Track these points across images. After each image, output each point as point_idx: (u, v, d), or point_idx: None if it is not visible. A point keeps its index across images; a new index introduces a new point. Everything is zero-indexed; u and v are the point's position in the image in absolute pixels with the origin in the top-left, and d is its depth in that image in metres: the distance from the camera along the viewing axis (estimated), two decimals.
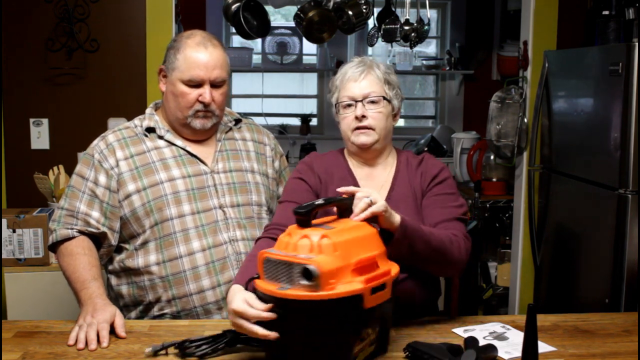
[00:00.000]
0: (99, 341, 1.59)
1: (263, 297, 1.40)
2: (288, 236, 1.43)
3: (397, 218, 1.59)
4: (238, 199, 1.92)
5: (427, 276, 1.84)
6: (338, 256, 1.38)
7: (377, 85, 1.86)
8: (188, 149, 1.93)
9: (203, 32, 1.93)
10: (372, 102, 1.84)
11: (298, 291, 1.35)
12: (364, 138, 1.85)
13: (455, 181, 1.95)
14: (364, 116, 1.83)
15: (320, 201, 1.49)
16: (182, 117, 1.89)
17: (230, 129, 2.04)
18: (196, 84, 1.86)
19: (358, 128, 1.85)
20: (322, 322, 1.37)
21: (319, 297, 1.33)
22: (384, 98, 1.86)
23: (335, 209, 1.56)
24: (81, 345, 1.58)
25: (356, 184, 1.88)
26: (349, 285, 1.36)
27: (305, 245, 1.39)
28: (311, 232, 1.41)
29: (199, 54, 1.85)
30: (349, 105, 1.86)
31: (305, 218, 1.44)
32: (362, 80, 1.85)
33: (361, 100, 1.84)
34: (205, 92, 1.86)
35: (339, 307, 1.35)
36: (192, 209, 1.87)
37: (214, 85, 1.87)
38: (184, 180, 1.89)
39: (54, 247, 1.89)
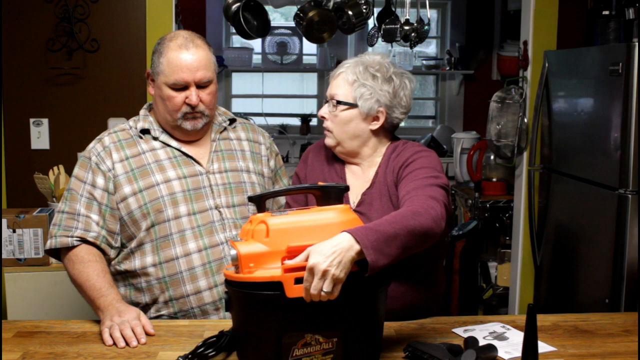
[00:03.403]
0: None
1: None
2: (249, 223, 1.49)
3: (354, 250, 1.39)
4: (234, 199, 1.92)
5: (414, 281, 1.85)
6: (268, 242, 1.42)
7: (342, 88, 1.85)
8: (183, 149, 1.93)
9: (186, 32, 1.91)
10: (333, 105, 1.86)
11: (229, 273, 1.45)
12: (326, 139, 1.91)
13: (436, 161, 1.81)
14: (323, 117, 1.88)
15: (273, 190, 1.58)
16: (172, 120, 1.89)
17: (225, 128, 2.03)
18: (181, 87, 1.85)
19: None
20: (248, 307, 1.43)
21: (236, 279, 1.41)
22: (340, 102, 1.84)
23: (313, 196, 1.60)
24: (122, 343, 1.60)
25: (343, 179, 1.93)
26: (269, 271, 1.40)
27: (258, 230, 1.46)
28: (260, 218, 1.47)
29: (181, 56, 1.83)
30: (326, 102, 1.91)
31: (257, 205, 1.53)
32: (333, 80, 1.88)
33: (328, 101, 1.88)
34: (192, 95, 1.85)
35: (260, 292, 1.40)
36: (188, 210, 1.86)
37: (200, 85, 1.86)
38: (180, 182, 1.88)
39: (55, 252, 1.88)
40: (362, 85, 1.83)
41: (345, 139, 1.87)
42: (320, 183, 1.60)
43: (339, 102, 1.84)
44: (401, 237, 1.46)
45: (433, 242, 1.58)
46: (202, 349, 1.52)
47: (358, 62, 1.86)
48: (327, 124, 1.87)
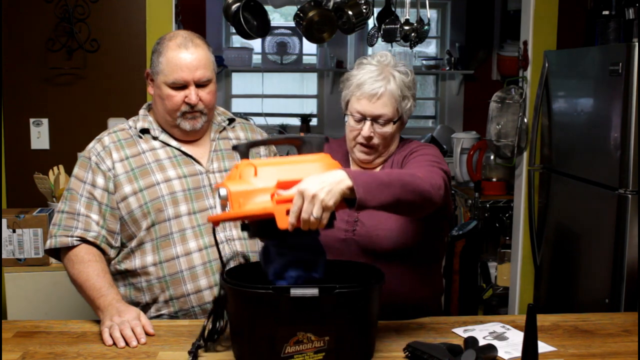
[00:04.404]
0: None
1: None
2: (235, 169, 1.50)
3: (344, 185, 1.42)
4: None
5: (416, 278, 1.86)
6: (257, 180, 1.44)
7: (391, 106, 1.82)
8: (183, 149, 1.93)
9: (185, 32, 1.91)
10: (382, 124, 1.83)
11: (214, 216, 1.45)
12: (364, 156, 1.87)
13: (439, 153, 1.85)
14: (370, 137, 1.83)
15: (258, 140, 1.63)
16: (171, 120, 1.89)
17: (224, 128, 2.03)
18: (181, 86, 1.85)
19: (361, 144, 1.85)
20: (241, 303, 1.44)
21: (225, 216, 1.42)
22: (394, 122, 1.83)
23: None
24: (122, 343, 1.60)
25: None
26: (260, 204, 1.41)
27: (246, 170, 1.47)
28: (247, 162, 1.49)
29: (181, 56, 1.84)
30: (358, 120, 1.84)
31: (243, 155, 1.54)
32: (377, 100, 1.81)
33: (371, 120, 1.82)
34: (191, 94, 1.85)
35: (254, 228, 1.45)
36: (188, 209, 1.86)
37: (199, 85, 1.86)
38: (180, 181, 1.88)
39: (54, 252, 1.89)
40: (406, 98, 1.84)
41: (386, 151, 1.88)
42: (302, 134, 1.62)
43: (394, 122, 1.83)
44: (395, 187, 1.49)
45: (429, 209, 1.61)
46: (210, 328, 1.52)
47: (393, 72, 1.83)
48: (372, 142, 1.83)
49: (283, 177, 1.43)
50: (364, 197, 1.43)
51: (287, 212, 1.39)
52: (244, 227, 1.51)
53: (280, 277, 1.48)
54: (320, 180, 1.40)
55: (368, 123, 1.82)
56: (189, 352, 1.52)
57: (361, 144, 1.85)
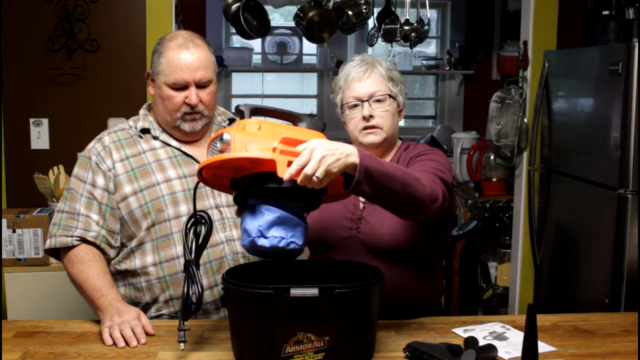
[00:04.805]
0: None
1: None
2: (238, 123, 1.51)
3: (352, 159, 1.44)
4: None
5: (417, 278, 1.86)
6: (260, 134, 1.45)
7: (381, 84, 1.87)
8: (183, 149, 1.93)
9: (186, 32, 1.91)
10: (378, 100, 1.86)
11: (210, 159, 1.45)
12: (372, 137, 1.87)
13: (447, 162, 1.87)
14: (371, 116, 1.85)
15: (261, 106, 1.65)
16: (172, 120, 1.89)
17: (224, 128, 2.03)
18: (181, 87, 1.85)
19: (366, 128, 1.87)
20: (242, 303, 1.45)
21: (223, 157, 1.42)
22: (390, 96, 1.87)
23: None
24: (122, 343, 1.60)
25: None
26: (261, 150, 1.42)
27: (250, 124, 1.48)
28: (250, 119, 1.51)
29: (181, 56, 1.84)
30: (355, 106, 1.88)
31: (242, 112, 1.57)
32: (366, 80, 1.87)
33: (367, 100, 1.86)
34: (191, 94, 1.85)
35: (246, 181, 1.45)
36: (189, 209, 1.86)
37: (200, 85, 1.86)
38: (180, 181, 1.88)
39: (54, 252, 1.89)
40: (392, 80, 1.90)
41: (392, 132, 1.90)
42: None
43: (390, 96, 1.87)
44: (395, 183, 1.51)
45: (418, 216, 1.66)
46: (187, 299, 1.52)
47: (376, 59, 1.91)
48: (375, 121, 1.86)
49: (287, 135, 1.45)
50: (361, 178, 1.45)
51: (288, 165, 1.40)
52: (233, 184, 1.51)
53: (263, 235, 1.47)
54: (333, 147, 1.42)
55: (366, 104, 1.87)
56: (179, 341, 1.53)
57: (365, 127, 1.87)
